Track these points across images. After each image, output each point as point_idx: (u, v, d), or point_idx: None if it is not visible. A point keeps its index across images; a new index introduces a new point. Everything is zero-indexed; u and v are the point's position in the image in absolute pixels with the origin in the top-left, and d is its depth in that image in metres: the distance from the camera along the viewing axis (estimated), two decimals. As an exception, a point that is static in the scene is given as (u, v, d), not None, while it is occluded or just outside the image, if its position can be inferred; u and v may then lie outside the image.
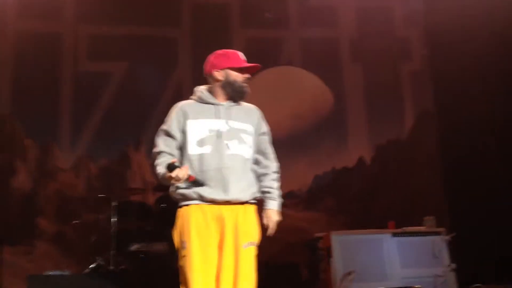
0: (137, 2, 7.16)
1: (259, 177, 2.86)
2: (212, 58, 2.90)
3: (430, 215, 5.57)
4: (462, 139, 6.56)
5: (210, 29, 7.21)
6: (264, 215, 2.84)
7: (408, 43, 7.82)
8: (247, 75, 2.86)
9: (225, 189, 2.67)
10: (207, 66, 2.90)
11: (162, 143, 2.79)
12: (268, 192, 2.85)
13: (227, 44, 6.85)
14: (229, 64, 2.84)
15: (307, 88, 7.56)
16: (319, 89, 7.56)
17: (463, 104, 6.61)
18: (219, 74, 2.84)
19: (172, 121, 2.81)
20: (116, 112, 6.96)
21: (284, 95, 7.39)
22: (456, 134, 6.73)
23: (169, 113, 2.87)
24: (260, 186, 2.85)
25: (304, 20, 7.67)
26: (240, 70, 2.84)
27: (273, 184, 2.87)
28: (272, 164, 2.90)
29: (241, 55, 2.91)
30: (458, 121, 6.69)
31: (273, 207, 2.84)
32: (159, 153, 2.78)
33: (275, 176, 2.90)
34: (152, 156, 2.84)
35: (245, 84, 2.85)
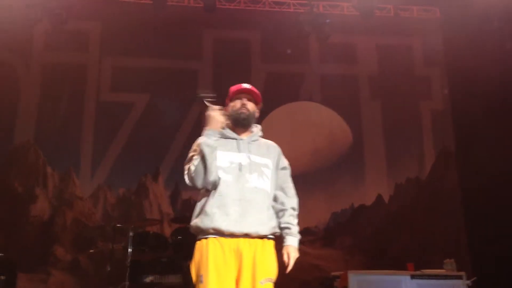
0: (160, 35, 7.32)
1: (277, 213, 2.84)
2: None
3: (450, 257, 5.45)
4: (483, 179, 6.45)
5: (231, 62, 7.34)
6: (283, 251, 2.79)
7: (428, 82, 7.84)
8: (239, 101, 2.88)
9: (244, 221, 2.66)
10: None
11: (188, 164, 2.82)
12: (288, 228, 2.81)
13: (247, 78, 6.98)
14: (228, 99, 2.94)
15: (326, 124, 7.58)
16: (338, 125, 7.57)
17: (484, 144, 6.53)
18: (226, 112, 2.91)
19: (193, 149, 2.84)
20: (136, 143, 7.05)
21: (303, 130, 7.42)
22: (477, 174, 6.63)
23: (192, 146, 2.91)
24: (279, 222, 2.82)
25: (324, 56, 7.75)
26: (237, 97, 2.90)
27: (292, 220, 2.83)
28: (290, 200, 2.88)
29: (242, 85, 2.95)
30: (479, 160, 6.60)
31: (293, 243, 2.80)
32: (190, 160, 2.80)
33: (294, 212, 2.87)
34: (185, 177, 2.80)
35: (240, 110, 2.86)
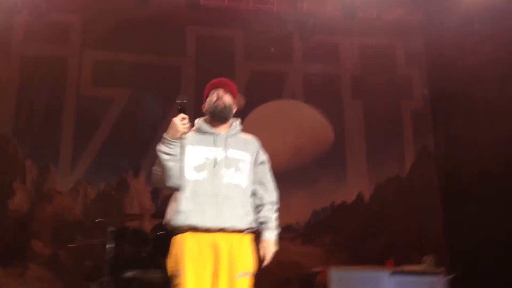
0: (143, 30, 7.24)
1: (256, 207, 2.84)
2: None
3: (429, 253, 5.53)
4: (462, 178, 6.56)
5: (214, 59, 7.30)
6: (260, 245, 2.79)
7: (410, 82, 7.92)
8: (215, 94, 2.88)
9: (220, 217, 2.65)
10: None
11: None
12: (265, 223, 2.81)
13: (231, 75, 6.95)
14: (205, 95, 2.96)
15: (308, 122, 7.61)
16: (320, 123, 7.60)
17: (463, 143, 6.64)
18: (204, 108, 2.93)
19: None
20: (117, 138, 6.97)
21: (285, 128, 7.43)
22: (456, 173, 6.73)
23: None
24: (258, 217, 2.82)
25: (307, 55, 7.78)
26: (211, 92, 2.92)
27: (269, 214, 2.84)
28: (269, 195, 2.88)
29: (216, 81, 2.96)
30: (459, 160, 6.71)
31: (270, 237, 2.80)
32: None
33: (273, 207, 2.87)
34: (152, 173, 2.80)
35: (216, 103, 2.85)
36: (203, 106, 2.93)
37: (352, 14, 7.04)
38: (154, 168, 2.77)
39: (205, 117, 2.94)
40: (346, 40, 7.88)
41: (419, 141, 7.64)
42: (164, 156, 2.66)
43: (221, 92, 2.89)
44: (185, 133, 2.69)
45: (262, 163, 2.92)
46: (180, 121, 2.67)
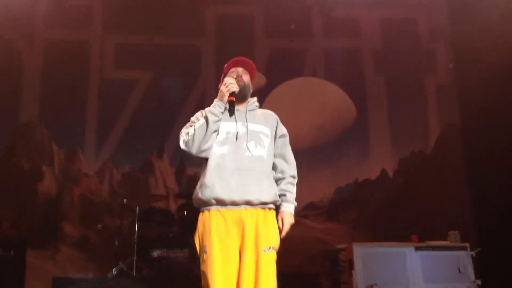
0: (163, 12, 7.25)
1: (276, 181, 2.87)
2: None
3: (454, 229, 5.48)
4: (487, 152, 6.45)
5: (234, 38, 7.27)
6: (278, 217, 2.83)
7: (433, 56, 7.76)
8: (235, 72, 2.91)
9: (245, 189, 2.68)
10: None
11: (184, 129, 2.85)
12: (284, 195, 2.85)
13: (251, 53, 6.94)
14: (224, 73, 2.99)
15: (330, 99, 7.55)
16: (342, 100, 7.54)
17: (488, 117, 6.51)
18: (221, 86, 2.91)
19: (192, 120, 2.88)
20: (141, 120, 7.05)
21: (307, 106, 7.40)
22: (481, 147, 6.62)
23: (195, 114, 2.93)
24: (278, 189, 2.85)
25: (327, 31, 7.67)
26: (230, 71, 2.95)
27: (289, 187, 2.87)
28: (290, 168, 2.91)
29: (235, 60, 2.98)
30: (484, 134, 6.58)
31: (288, 209, 2.83)
32: (182, 134, 2.82)
33: (293, 180, 2.90)
34: (180, 141, 2.83)
35: (231, 81, 2.84)
36: (220, 83, 2.93)
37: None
38: (187, 130, 2.80)
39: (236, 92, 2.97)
40: (367, 13, 7.72)
41: (444, 115, 7.51)
42: (213, 118, 2.73)
43: (240, 70, 2.91)
44: (234, 91, 2.78)
45: (282, 136, 2.94)
46: (224, 85, 2.79)
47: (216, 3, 7.53)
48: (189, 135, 2.76)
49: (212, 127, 2.74)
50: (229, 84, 2.79)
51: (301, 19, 7.53)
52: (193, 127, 2.78)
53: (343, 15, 7.56)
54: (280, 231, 2.79)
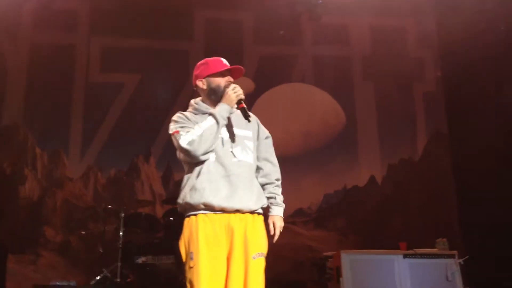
0: (151, 15, 7.16)
1: (262, 185, 2.82)
2: (195, 69, 2.88)
3: (442, 237, 5.48)
4: (475, 160, 6.47)
5: (223, 43, 7.21)
6: (269, 221, 2.79)
7: (422, 64, 7.79)
8: (228, 78, 2.81)
9: (235, 197, 2.62)
10: (192, 79, 2.88)
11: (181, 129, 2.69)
12: (273, 198, 2.81)
13: (239, 59, 6.89)
14: (209, 72, 2.81)
15: (319, 105, 7.53)
16: (331, 106, 7.52)
17: (476, 125, 6.53)
18: (202, 84, 2.82)
19: (182, 119, 2.75)
20: (127, 124, 6.95)
21: (296, 112, 7.37)
22: (469, 155, 6.64)
23: (172, 121, 2.77)
24: (265, 194, 2.82)
25: (317, 37, 7.66)
26: (221, 74, 2.81)
27: (277, 190, 2.85)
28: (275, 171, 2.87)
29: (223, 60, 2.85)
30: (471, 142, 6.61)
31: (279, 213, 2.80)
32: (181, 132, 2.67)
33: (279, 183, 2.88)
34: (177, 145, 2.68)
35: (228, 87, 2.77)
36: (200, 80, 2.82)
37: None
38: (192, 130, 2.65)
39: (201, 97, 2.88)
40: (356, 20, 7.73)
41: (432, 123, 7.53)
42: (223, 122, 2.67)
43: (231, 80, 2.84)
44: (240, 100, 2.73)
45: (267, 137, 2.91)
46: (232, 90, 2.72)
47: (205, 7, 7.48)
48: (195, 134, 2.63)
49: (219, 130, 2.68)
50: (238, 91, 2.73)
51: (291, 26, 7.51)
52: (199, 127, 2.65)
53: (332, 22, 7.56)
54: (272, 236, 2.75)
